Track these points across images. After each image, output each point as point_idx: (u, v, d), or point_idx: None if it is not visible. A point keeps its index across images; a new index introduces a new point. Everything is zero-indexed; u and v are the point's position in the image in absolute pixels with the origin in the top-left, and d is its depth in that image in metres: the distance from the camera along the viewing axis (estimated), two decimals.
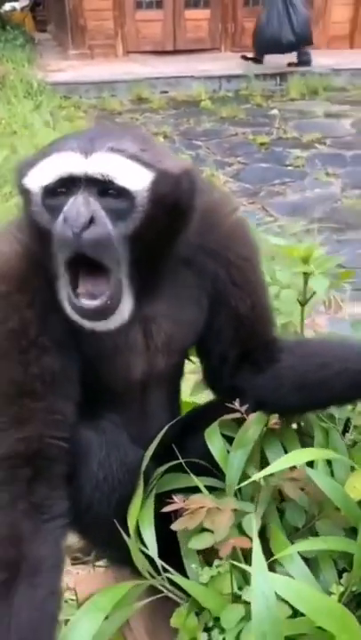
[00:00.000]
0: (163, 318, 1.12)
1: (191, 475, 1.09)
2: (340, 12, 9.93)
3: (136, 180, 0.91)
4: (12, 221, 1.07)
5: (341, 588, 1.04)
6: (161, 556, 1.05)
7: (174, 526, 1.01)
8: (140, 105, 7.85)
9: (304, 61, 8.51)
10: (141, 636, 1.23)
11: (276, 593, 0.82)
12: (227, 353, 1.21)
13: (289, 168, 5.74)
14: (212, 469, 1.16)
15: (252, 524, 0.93)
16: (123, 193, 0.91)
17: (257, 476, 0.95)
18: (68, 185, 0.91)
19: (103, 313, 0.95)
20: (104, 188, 0.91)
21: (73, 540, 1.38)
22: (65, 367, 1.02)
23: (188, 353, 1.27)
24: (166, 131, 6.61)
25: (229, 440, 1.16)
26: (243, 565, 0.92)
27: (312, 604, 0.82)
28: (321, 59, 8.84)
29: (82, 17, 9.18)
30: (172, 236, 0.99)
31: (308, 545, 0.95)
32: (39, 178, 0.92)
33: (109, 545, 1.14)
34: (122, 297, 0.96)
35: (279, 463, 0.93)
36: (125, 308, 0.98)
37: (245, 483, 1.02)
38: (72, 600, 1.47)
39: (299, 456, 0.95)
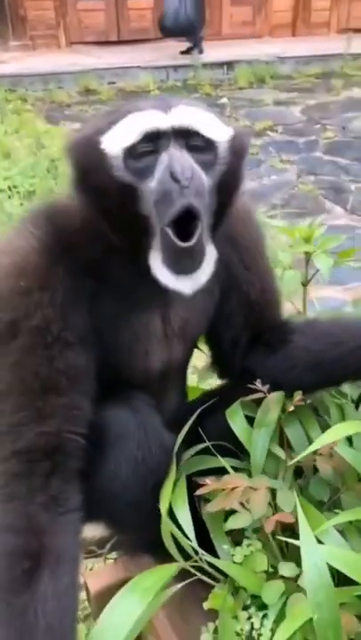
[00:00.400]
0: (180, 304, 1.12)
1: (218, 456, 1.10)
2: (282, 1, 10.04)
3: (219, 132, 0.94)
4: (26, 217, 1.05)
5: None
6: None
7: (210, 507, 1.01)
8: (89, 96, 7.74)
9: (194, 49, 8.53)
10: (165, 625, 1.23)
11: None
12: (238, 337, 1.23)
13: None
14: (232, 450, 1.17)
15: (294, 499, 0.94)
16: (208, 145, 0.92)
17: (311, 449, 0.96)
18: (153, 142, 0.89)
19: (198, 261, 0.94)
20: (189, 140, 0.91)
21: (88, 532, 1.37)
22: (86, 363, 1.02)
23: (198, 340, 1.28)
24: None
25: (248, 420, 1.17)
26: (291, 540, 0.93)
27: None
28: (266, 47, 8.94)
29: (22, 7, 8.95)
30: (235, 192, 1.01)
31: (344, 517, 0.97)
32: (119, 139, 0.89)
33: (141, 530, 1.13)
34: (206, 251, 0.95)
35: (326, 437, 0.95)
36: (208, 264, 0.96)
37: (299, 457, 1.02)
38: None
39: (343, 429, 0.97)
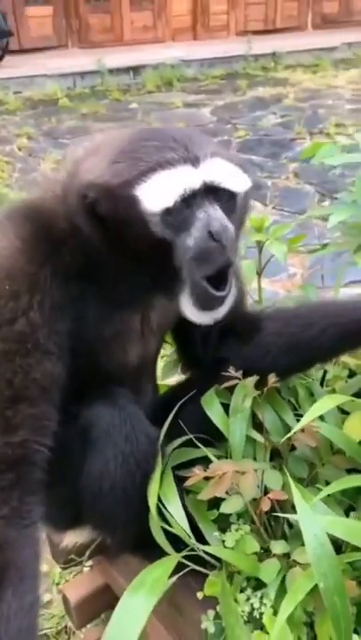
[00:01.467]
0: (160, 306, 1.14)
1: (201, 447, 1.11)
2: (180, 6, 10.21)
3: (240, 183, 0.99)
4: (2, 217, 1.01)
5: None
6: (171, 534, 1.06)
7: (201, 496, 1.02)
8: None
9: None
10: (162, 619, 1.23)
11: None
12: (209, 330, 1.23)
13: None
14: (209, 439, 1.19)
15: (279, 477, 0.97)
16: (231, 196, 0.97)
17: (299, 426, 0.98)
18: (187, 199, 0.92)
19: (225, 303, 0.99)
20: (218, 194, 0.95)
21: (66, 541, 1.34)
22: (60, 372, 1.00)
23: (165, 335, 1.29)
24: (29, 132, 6.44)
25: (223, 408, 1.19)
26: (288, 515, 0.96)
27: None
28: (169, 51, 9.06)
29: None
30: (243, 229, 1.09)
31: (332, 488, 1.00)
32: (157, 197, 0.91)
33: (129, 527, 1.12)
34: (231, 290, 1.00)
35: (312, 412, 0.97)
36: (230, 299, 1.01)
37: (291, 433, 1.05)
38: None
39: (327, 403, 1.00)
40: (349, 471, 1.17)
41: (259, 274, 1.40)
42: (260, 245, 1.35)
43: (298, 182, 5.17)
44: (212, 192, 0.95)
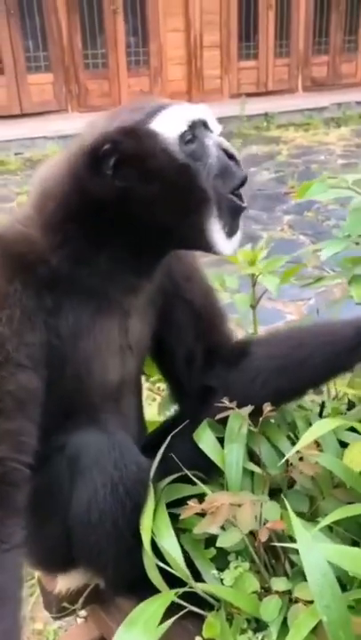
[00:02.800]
0: (135, 314, 1.12)
1: (197, 481, 1.07)
2: (175, 71, 10.64)
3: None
4: None
5: None
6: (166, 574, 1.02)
7: (197, 530, 0.98)
8: None
9: None
10: None
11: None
12: (192, 352, 1.22)
13: None
14: (201, 476, 1.15)
15: (277, 508, 0.93)
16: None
17: (295, 449, 0.95)
18: (192, 130, 0.97)
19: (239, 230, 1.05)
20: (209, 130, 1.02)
21: (58, 586, 1.28)
22: (36, 386, 0.99)
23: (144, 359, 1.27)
24: (29, 190, 6.58)
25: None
26: (287, 544, 0.92)
27: None
28: None
29: None
30: None
31: (331, 517, 0.96)
32: (170, 127, 0.96)
33: (121, 563, 1.07)
34: None
35: (309, 434, 0.95)
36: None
37: (283, 460, 1.02)
38: None
39: (323, 427, 0.97)
40: (351, 504, 1.13)
41: (253, 307, 1.39)
42: (253, 279, 1.36)
43: (293, 233, 5.26)
44: (207, 128, 1.02)
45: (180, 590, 0.99)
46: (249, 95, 10.35)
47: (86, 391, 1.10)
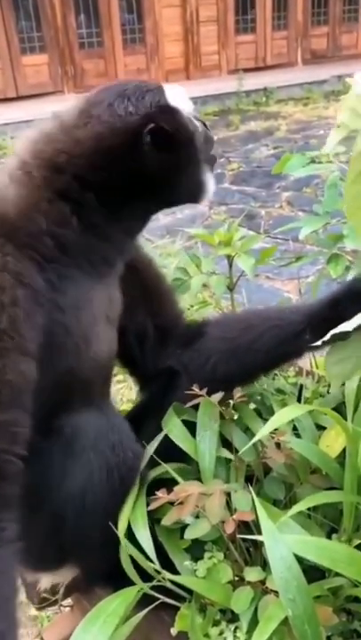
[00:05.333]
0: (115, 283, 1.12)
1: (176, 476, 1.04)
2: (172, 48, 10.47)
3: None
4: None
5: None
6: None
7: (165, 521, 0.95)
8: None
9: None
10: None
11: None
12: (143, 329, 1.21)
13: None
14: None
15: (248, 497, 0.90)
16: None
17: (258, 436, 0.91)
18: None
19: None
20: None
21: (43, 581, 1.27)
22: (33, 375, 0.94)
23: None
24: None
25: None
26: (252, 537, 0.89)
27: (330, 554, 0.81)
28: None
29: None
30: None
31: (303, 505, 0.93)
32: (183, 102, 1.05)
33: (103, 552, 1.05)
34: None
35: (274, 422, 0.91)
36: None
37: (245, 447, 0.98)
38: None
39: (287, 414, 0.94)
40: (329, 490, 1.10)
41: (230, 289, 1.35)
42: (229, 260, 1.31)
43: (291, 210, 5.19)
44: None
45: (149, 585, 0.96)
46: (247, 70, 10.18)
47: (82, 366, 1.07)
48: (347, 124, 0.76)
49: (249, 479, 1.16)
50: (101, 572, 1.11)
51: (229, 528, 0.90)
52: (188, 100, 1.08)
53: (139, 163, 1.02)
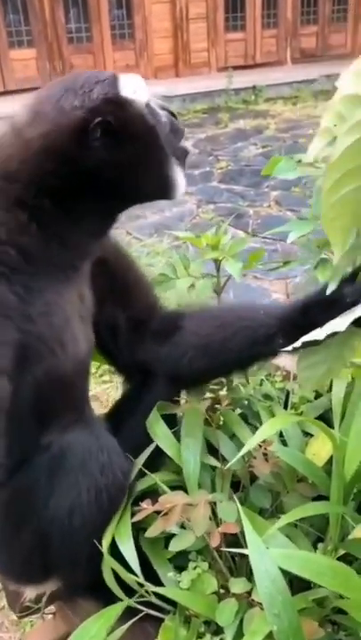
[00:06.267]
0: (86, 281, 1.10)
1: (164, 487, 1.02)
2: (161, 45, 10.41)
3: None
4: None
5: None
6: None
7: (149, 533, 0.94)
8: None
9: None
10: None
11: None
12: (114, 320, 1.19)
13: None
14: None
15: (233, 508, 0.89)
16: None
17: (244, 450, 0.89)
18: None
19: None
20: None
21: (26, 594, 1.25)
22: (7, 393, 0.93)
23: None
24: None
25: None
26: (237, 550, 0.87)
27: (315, 568, 0.79)
28: (151, 88, 9.15)
29: None
30: None
31: (289, 517, 0.92)
32: (138, 92, 0.99)
33: (88, 566, 1.03)
34: None
35: (258, 435, 0.89)
36: None
37: (233, 460, 0.97)
38: None
39: (273, 425, 0.92)
40: (317, 499, 1.09)
41: (218, 293, 1.34)
42: (217, 264, 1.30)
43: (280, 210, 5.18)
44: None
45: (130, 601, 0.94)
46: (237, 68, 10.14)
47: (61, 368, 1.05)
48: (331, 129, 0.74)
49: (235, 485, 1.15)
50: (85, 585, 1.10)
51: (215, 541, 0.88)
52: (144, 89, 1.01)
53: (91, 161, 0.96)
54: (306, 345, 0.96)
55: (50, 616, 1.45)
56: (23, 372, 0.96)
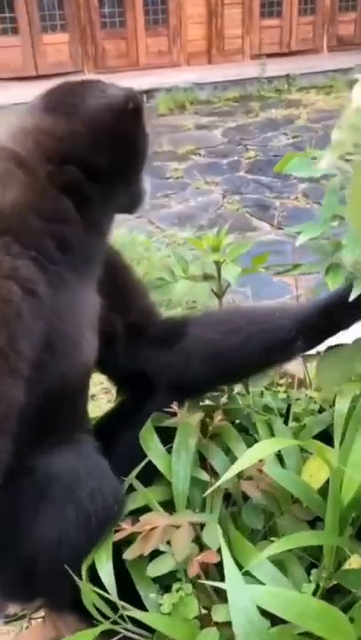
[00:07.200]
0: (94, 289, 1.06)
1: (158, 506, 0.97)
2: (195, 31, 10.26)
3: None
4: None
5: (313, 586, 0.96)
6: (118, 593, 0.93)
7: (126, 555, 0.88)
8: None
9: None
10: None
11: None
12: (111, 326, 1.13)
13: (169, 180, 5.78)
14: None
15: (217, 535, 0.83)
16: None
17: (229, 474, 0.83)
18: None
19: None
20: None
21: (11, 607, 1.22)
22: (21, 396, 0.87)
23: None
24: None
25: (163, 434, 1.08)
26: (215, 583, 0.82)
27: (298, 608, 0.73)
28: (183, 75, 9.08)
29: None
30: None
31: (278, 547, 0.86)
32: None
33: (73, 587, 0.99)
34: None
35: (245, 459, 0.83)
36: None
37: (219, 482, 0.91)
38: None
39: (265, 448, 0.86)
40: (314, 521, 1.03)
41: (219, 296, 1.27)
42: (218, 267, 1.22)
43: (307, 202, 5.05)
44: None
45: (108, 623, 0.89)
46: (270, 56, 9.94)
47: (71, 374, 1.00)
48: (344, 142, 0.68)
49: (228, 497, 1.09)
50: (68, 602, 1.05)
51: (192, 571, 0.82)
52: None
53: (131, 139, 1.02)
54: (331, 349, 0.90)
55: (38, 620, 1.42)
56: (41, 369, 0.90)
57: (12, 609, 1.26)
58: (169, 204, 5.21)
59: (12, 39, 9.37)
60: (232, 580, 0.73)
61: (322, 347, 1.01)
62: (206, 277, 1.24)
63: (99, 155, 0.97)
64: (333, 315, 1.00)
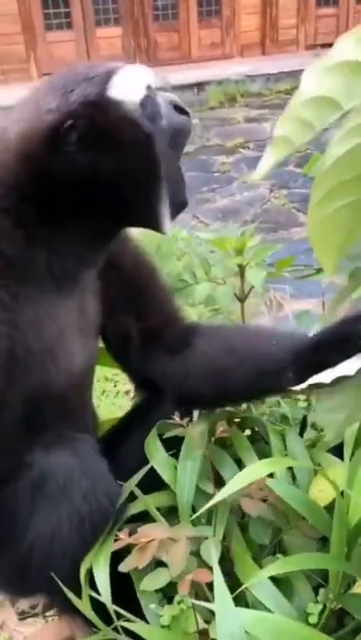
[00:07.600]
0: (89, 292, 1.03)
1: (157, 515, 0.95)
2: (248, 21, 10.12)
3: None
4: None
5: (319, 606, 0.93)
6: (122, 599, 0.92)
7: (122, 567, 0.87)
8: None
9: None
10: None
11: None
12: (126, 331, 1.11)
13: (216, 174, 5.74)
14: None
15: (211, 552, 0.80)
16: None
17: (216, 499, 0.81)
18: (149, 92, 0.89)
19: None
20: None
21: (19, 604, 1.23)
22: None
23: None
24: None
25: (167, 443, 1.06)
26: (204, 603, 0.79)
27: (288, 637, 0.70)
28: (236, 67, 8.97)
29: None
30: None
31: (278, 568, 0.82)
32: (131, 91, 0.86)
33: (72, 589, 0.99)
34: None
35: (235, 482, 0.80)
36: None
37: (216, 499, 0.88)
38: None
39: (257, 470, 0.82)
40: (323, 538, 0.99)
41: (241, 300, 1.23)
42: (241, 269, 1.19)
43: None
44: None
45: (108, 629, 0.88)
46: (325, 46, 9.67)
47: (53, 382, 0.99)
48: (290, 139, 0.62)
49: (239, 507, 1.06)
50: (68, 602, 1.05)
51: (184, 589, 0.80)
52: (141, 86, 0.88)
53: (66, 168, 0.87)
54: (313, 387, 0.85)
55: (55, 618, 1.43)
56: (11, 382, 0.91)
57: (22, 605, 1.26)
58: (214, 199, 5.16)
59: (67, 34, 9.47)
60: (221, 604, 0.70)
61: (304, 384, 0.97)
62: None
63: (27, 182, 0.89)
64: (320, 350, 0.97)
